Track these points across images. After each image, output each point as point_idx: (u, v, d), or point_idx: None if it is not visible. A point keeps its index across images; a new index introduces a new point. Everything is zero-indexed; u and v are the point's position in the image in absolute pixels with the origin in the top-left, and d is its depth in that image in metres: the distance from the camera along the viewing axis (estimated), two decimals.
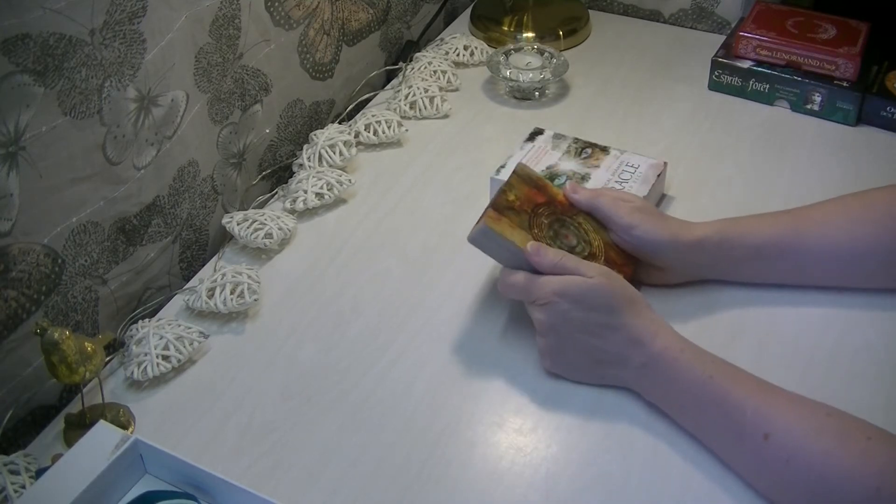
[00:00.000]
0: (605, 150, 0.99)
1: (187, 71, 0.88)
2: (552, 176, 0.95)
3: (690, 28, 1.30)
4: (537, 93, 1.17)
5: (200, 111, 0.92)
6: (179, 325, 0.83)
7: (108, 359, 0.82)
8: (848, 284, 0.84)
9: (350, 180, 1.01)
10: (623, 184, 0.94)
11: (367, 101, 1.17)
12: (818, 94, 1.09)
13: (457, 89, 1.19)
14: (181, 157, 0.90)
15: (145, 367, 0.80)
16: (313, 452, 0.75)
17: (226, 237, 0.96)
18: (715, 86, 1.16)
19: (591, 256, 0.81)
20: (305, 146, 1.05)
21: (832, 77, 1.09)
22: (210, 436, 0.76)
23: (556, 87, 1.18)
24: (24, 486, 0.70)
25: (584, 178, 0.95)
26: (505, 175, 0.91)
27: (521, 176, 0.83)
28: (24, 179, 0.72)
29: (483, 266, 0.89)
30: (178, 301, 0.89)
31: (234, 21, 0.94)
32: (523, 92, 1.17)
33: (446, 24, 1.35)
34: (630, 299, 0.76)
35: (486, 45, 1.26)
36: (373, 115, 1.09)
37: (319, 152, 1.03)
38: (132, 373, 0.80)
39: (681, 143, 1.07)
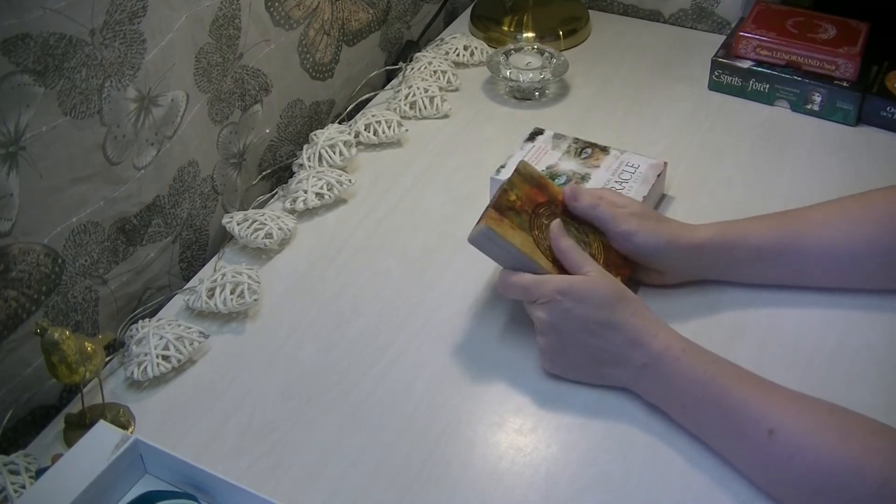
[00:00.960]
0: (605, 150, 0.99)
1: (187, 71, 0.88)
2: (552, 176, 0.95)
3: (690, 28, 1.30)
4: (537, 93, 1.17)
5: (200, 111, 0.92)
6: (179, 325, 0.83)
7: (108, 359, 0.82)
8: (847, 285, 0.84)
9: (350, 180, 1.01)
10: (623, 184, 0.94)
11: (367, 101, 1.17)
12: (818, 94, 1.09)
13: (457, 89, 1.19)
14: (181, 157, 0.90)
15: (145, 367, 0.80)
16: (313, 452, 0.75)
17: (226, 237, 0.96)
18: (715, 86, 1.16)
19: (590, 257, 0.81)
20: (305, 146, 1.05)
21: (832, 77, 1.09)
22: (210, 436, 0.76)
23: (556, 87, 1.18)
24: (24, 486, 0.70)
25: (584, 178, 0.95)
26: (505, 175, 0.91)
27: (523, 174, 0.83)
28: (25, 179, 0.72)
29: (483, 266, 0.89)
30: (178, 301, 0.89)
31: (234, 21, 0.94)
32: (523, 92, 1.17)
33: (446, 24, 1.35)
34: (630, 300, 0.76)
35: (486, 45, 1.26)
36: (373, 115, 1.09)
37: (319, 152, 1.03)
38: (132, 373, 0.80)
39: (681, 143, 1.07)
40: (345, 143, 1.04)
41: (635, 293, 0.78)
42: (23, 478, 0.71)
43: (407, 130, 1.09)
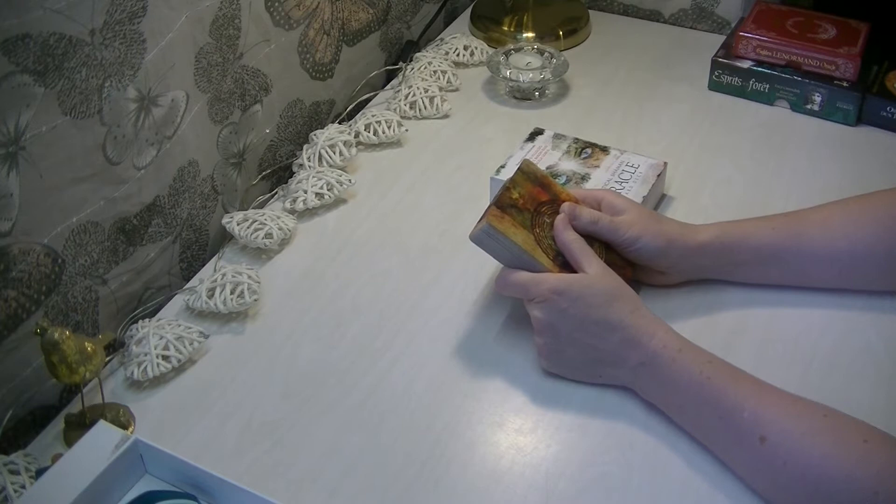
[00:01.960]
0: (605, 150, 0.99)
1: (187, 71, 0.88)
2: (552, 176, 0.95)
3: (690, 28, 1.30)
4: (537, 93, 1.17)
5: (200, 111, 0.92)
6: (179, 325, 0.83)
7: (108, 359, 0.82)
8: (848, 286, 0.84)
9: (350, 180, 1.01)
10: (623, 184, 0.94)
11: (367, 101, 1.17)
12: (818, 94, 1.09)
13: (457, 89, 1.19)
14: (181, 157, 0.90)
15: (145, 367, 0.80)
16: (313, 452, 0.75)
17: (226, 237, 0.96)
18: (715, 86, 1.16)
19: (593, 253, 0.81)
20: (305, 146, 1.05)
21: (832, 77, 1.09)
22: (210, 436, 0.76)
23: (556, 87, 1.18)
24: (24, 486, 0.70)
25: (584, 178, 0.95)
26: (505, 175, 0.91)
27: (526, 173, 0.83)
28: (24, 179, 0.72)
29: (483, 266, 0.89)
30: (178, 301, 0.89)
31: (234, 21, 0.94)
32: (523, 92, 1.17)
33: (446, 24, 1.35)
34: (628, 299, 0.76)
35: (486, 45, 1.26)
36: (373, 115, 1.09)
37: (319, 152, 1.03)
38: (132, 373, 0.80)
39: (681, 143, 1.07)
40: (345, 143, 1.04)
41: (636, 292, 0.78)
42: (23, 478, 0.71)
43: (407, 130, 1.09)
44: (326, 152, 1.03)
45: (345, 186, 1.00)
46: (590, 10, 1.33)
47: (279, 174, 1.09)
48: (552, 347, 0.78)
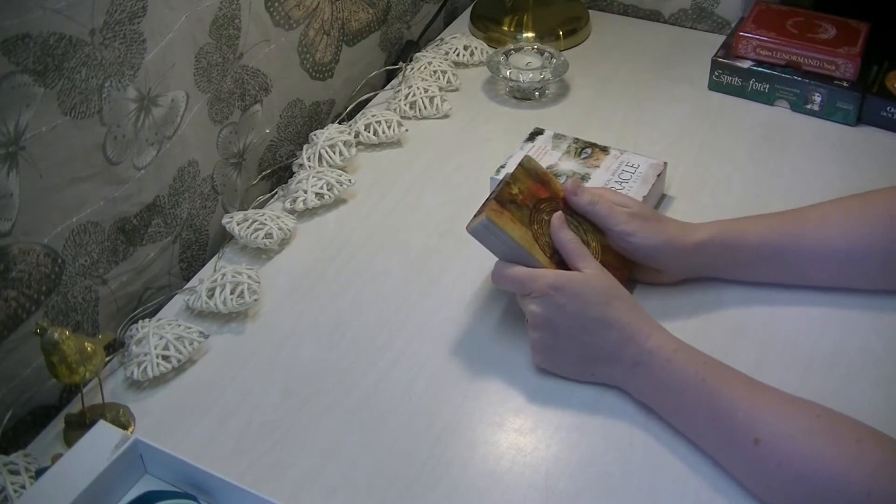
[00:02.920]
0: (605, 150, 0.99)
1: (187, 71, 0.88)
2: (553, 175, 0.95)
3: (690, 28, 1.30)
4: (537, 93, 1.17)
5: (200, 111, 0.92)
6: (179, 325, 0.83)
7: (108, 359, 0.82)
8: (846, 285, 0.84)
9: (350, 180, 1.01)
10: (623, 184, 0.94)
11: (367, 101, 1.17)
12: (818, 94, 1.09)
13: (457, 89, 1.19)
14: (181, 157, 0.90)
15: (145, 367, 0.80)
16: (313, 452, 0.75)
17: (226, 237, 0.96)
18: (715, 86, 1.16)
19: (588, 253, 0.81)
20: (305, 146, 1.05)
21: (832, 77, 1.09)
22: (210, 436, 0.76)
23: (556, 87, 1.18)
24: (24, 486, 0.70)
25: (584, 178, 0.95)
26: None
27: (527, 169, 0.83)
28: (24, 179, 0.72)
29: (483, 266, 0.89)
30: (178, 301, 0.90)
31: (234, 21, 0.94)
32: (523, 92, 1.17)
33: (446, 24, 1.35)
34: (625, 299, 0.76)
35: (486, 45, 1.26)
36: (373, 115, 1.09)
37: (319, 152, 1.03)
38: (132, 373, 0.80)
39: (681, 143, 1.07)
40: (345, 143, 1.04)
41: (632, 293, 0.78)
42: (23, 478, 0.71)
43: (407, 130, 1.09)
44: (326, 152, 1.03)
45: (345, 186, 1.00)
46: (590, 10, 1.33)
47: (279, 174, 1.09)
48: (547, 343, 0.77)
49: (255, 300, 0.86)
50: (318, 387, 0.80)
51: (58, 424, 0.78)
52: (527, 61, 1.16)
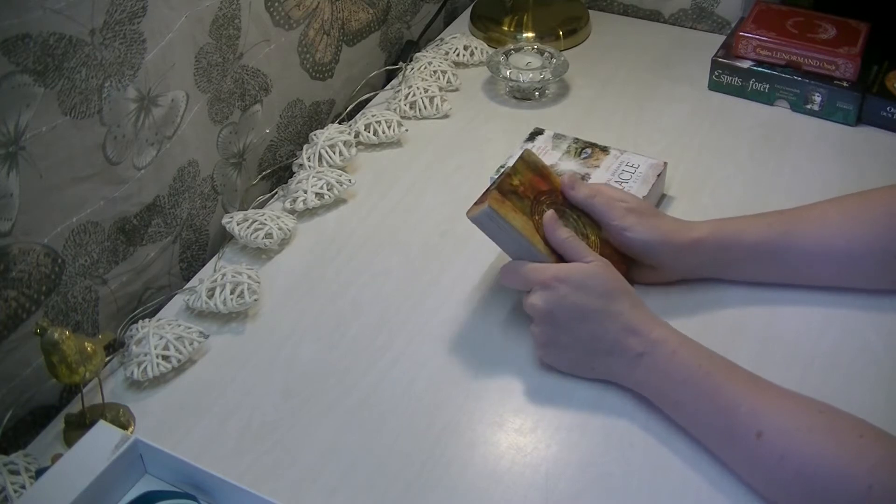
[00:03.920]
0: (605, 149, 0.99)
1: (187, 71, 0.88)
2: None
3: (690, 28, 1.30)
4: (537, 93, 1.17)
5: (200, 111, 0.92)
6: (179, 325, 0.83)
7: (108, 359, 0.82)
8: (845, 284, 0.84)
9: (350, 180, 1.01)
10: (623, 184, 0.94)
11: (367, 101, 1.17)
12: (818, 94, 1.09)
13: (457, 89, 1.19)
14: (181, 157, 0.90)
15: (145, 367, 0.80)
16: (313, 452, 0.75)
17: (226, 237, 0.96)
18: (715, 86, 1.16)
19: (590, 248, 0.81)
20: (305, 146, 1.05)
21: (832, 77, 1.09)
22: (210, 436, 0.76)
23: (556, 87, 1.18)
24: (24, 486, 0.70)
25: (584, 178, 0.95)
26: None
27: (528, 162, 0.83)
28: (24, 179, 0.72)
29: (483, 266, 0.90)
30: (178, 301, 0.90)
31: (234, 21, 0.94)
32: (523, 92, 1.17)
33: (446, 24, 1.35)
34: (629, 293, 0.76)
35: (486, 45, 1.26)
36: (373, 115, 1.09)
37: (319, 152, 1.03)
38: (132, 373, 0.80)
39: (681, 143, 1.07)
40: (345, 143, 1.04)
41: None
42: (23, 478, 0.71)
43: (407, 130, 1.10)
44: (326, 152, 1.03)
45: (345, 186, 1.00)
46: (590, 10, 1.33)
47: (279, 174, 1.09)
48: (549, 336, 0.77)
49: (255, 300, 0.86)
50: (318, 387, 0.80)
51: (58, 424, 0.78)
52: (527, 61, 1.16)
